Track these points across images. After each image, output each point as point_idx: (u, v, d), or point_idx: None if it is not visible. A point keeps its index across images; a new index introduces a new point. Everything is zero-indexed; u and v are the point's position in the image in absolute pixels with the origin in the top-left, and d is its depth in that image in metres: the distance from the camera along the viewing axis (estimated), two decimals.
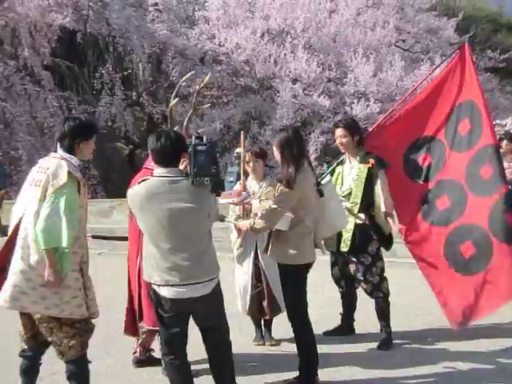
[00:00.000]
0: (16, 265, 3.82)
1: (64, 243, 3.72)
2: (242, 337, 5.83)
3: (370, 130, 5.91)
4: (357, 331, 5.87)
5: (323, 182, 4.98)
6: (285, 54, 15.57)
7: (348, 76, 15.48)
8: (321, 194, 4.67)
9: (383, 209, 5.30)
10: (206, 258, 3.88)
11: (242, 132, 5.62)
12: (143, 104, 16.71)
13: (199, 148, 3.77)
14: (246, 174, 5.48)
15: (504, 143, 9.62)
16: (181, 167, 3.93)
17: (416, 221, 5.48)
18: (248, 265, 5.51)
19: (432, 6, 24.60)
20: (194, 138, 3.87)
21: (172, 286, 3.80)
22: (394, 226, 5.35)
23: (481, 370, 4.87)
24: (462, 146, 5.51)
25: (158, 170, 3.86)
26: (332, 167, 5.82)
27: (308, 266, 4.59)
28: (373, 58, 15.43)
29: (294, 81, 15.34)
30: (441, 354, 5.24)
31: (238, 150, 5.08)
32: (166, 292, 3.82)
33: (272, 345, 5.57)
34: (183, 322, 3.95)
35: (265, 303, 5.52)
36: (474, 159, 5.43)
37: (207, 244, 3.92)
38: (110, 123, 15.33)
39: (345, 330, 5.84)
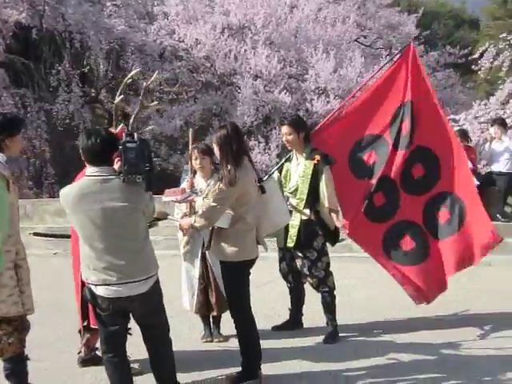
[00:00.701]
0: None
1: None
2: (192, 334, 5.85)
3: (317, 127, 5.94)
4: (305, 325, 5.93)
5: (265, 178, 4.99)
6: (245, 50, 15.52)
7: (309, 72, 15.49)
8: (263, 190, 4.67)
9: (327, 204, 5.35)
10: (142, 256, 3.87)
11: (190, 129, 5.61)
12: (102, 101, 16.53)
13: (129, 145, 3.74)
14: (194, 172, 5.47)
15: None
16: (116, 166, 3.90)
17: (358, 217, 5.56)
18: (195, 262, 5.51)
19: (395, 2, 24.89)
20: (124, 135, 3.85)
21: (109, 285, 3.79)
22: (338, 222, 5.41)
23: (423, 362, 4.94)
24: (403, 144, 5.60)
25: (90, 170, 3.83)
26: (280, 164, 5.86)
27: (250, 263, 4.59)
28: (333, 54, 15.46)
29: (255, 77, 15.31)
30: (385, 346, 5.31)
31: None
32: (102, 291, 3.81)
33: (220, 341, 5.58)
34: (122, 320, 3.95)
35: (212, 300, 5.52)
36: (408, 159, 5.58)
37: (143, 242, 3.91)
38: (68, 121, 15.12)
39: (293, 324, 5.88)
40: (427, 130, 5.57)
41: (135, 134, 3.87)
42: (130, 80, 4.59)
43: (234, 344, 5.44)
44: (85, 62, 15.68)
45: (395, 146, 5.64)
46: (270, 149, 14.66)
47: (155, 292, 3.96)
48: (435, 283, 5.57)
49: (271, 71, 15.25)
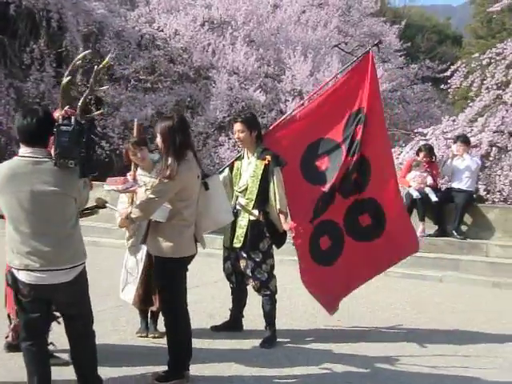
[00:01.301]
0: None
1: None
2: (129, 327, 5.75)
3: (271, 127, 5.88)
4: (245, 328, 5.87)
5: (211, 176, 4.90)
6: (223, 45, 15.41)
7: (286, 73, 15.43)
8: (206, 187, 4.59)
9: (278, 206, 5.29)
10: (69, 244, 3.76)
11: (135, 119, 5.50)
12: (76, 83, 16.25)
13: (63, 128, 3.63)
14: (137, 165, 5.36)
15: (421, 155, 9.87)
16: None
17: (306, 221, 5.50)
18: (138, 255, 5.41)
19: (380, 11, 24.95)
20: (60, 118, 3.73)
21: (31, 270, 3.67)
22: (285, 224, 5.35)
23: (355, 374, 4.90)
24: (354, 151, 5.59)
25: (22, 150, 3.72)
26: (230, 162, 5.78)
27: (186, 260, 4.50)
28: (311, 58, 15.40)
29: (231, 73, 15.20)
30: (320, 355, 5.27)
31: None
32: (24, 277, 3.70)
33: (155, 337, 5.49)
34: (43, 308, 3.83)
35: (154, 295, 5.41)
36: (350, 166, 5.61)
37: (72, 230, 3.80)
38: (38, 100, 14.86)
39: (232, 325, 5.80)
40: (371, 140, 5.57)
41: (72, 118, 3.75)
42: (80, 62, 4.45)
43: None
44: (61, 43, 15.41)
45: (348, 153, 5.60)
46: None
47: (80, 282, 3.86)
48: (341, 288, 5.73)
49: (248, 68, 15.15)
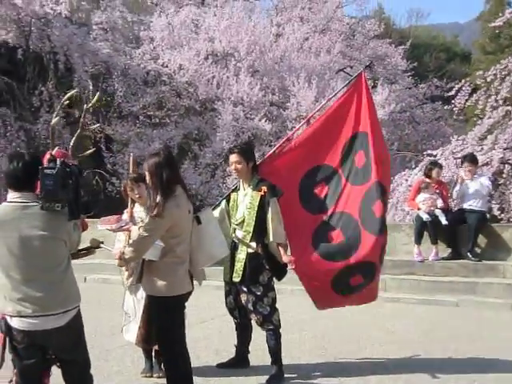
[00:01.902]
0: None
1: None
2: (134, 368, 5.69)
3: (265, 156, 5.84)
4: (252, 363, 5.74)
5: (203, 209, 4.86)
6: (227, 77, 15.52)
7: (290, 100, 15.48)
8: (198, 221, 4.55)
9: (271, 239, 5.21)
10: (60, 288, 3.71)
11: (131, 154, 5.50)
12: (86, 123, 16.43)
13: (47, 171, 3.60)
14: (134, 202, 5.34)
15: (434, 172, 9.71)
16: None
17: (307, 252, 5.37)
18: (141, 293, 5.35)
19: (386, 33, 25.05)
20: (46, 160, 3.73)
21: (24, 317, 3.63)
22: (285, 257, 5.25)
23: None
24: (358, 178, 5.46)
25: (11, 195, 3.70)
26: (227, 194, 5.73)
27: (181, 298, 4.44)
28: (315, 83, 15.45)
29: (236, 104, 15.28)
30: None
31: None
32: (17, 323, 3.65)
33: (159, 377, 5.40)
34: (38, 354, 3.76)
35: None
36: (366, 194, 5.41)
37: (63, 274, 3.75)
38: (48, 141, 15.00)
39: (238, 362, 5.69)
40: (375, 163, 5.45)
41: (58, 160, 3.74)
42: (67, 102, 4.46)
43: None
44: (70, 84, 15.62)
45: (348, 179, 5.51)
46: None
47: (74, 326, 3.80)
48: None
49: (252, 98, 15.25)
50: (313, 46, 17.82)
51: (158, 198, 4.21)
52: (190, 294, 4.56)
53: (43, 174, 3.60)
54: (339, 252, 5.37)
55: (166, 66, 15.80)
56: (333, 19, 20.28)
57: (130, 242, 4.38)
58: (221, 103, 15.19)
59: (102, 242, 4.68)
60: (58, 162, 3.69)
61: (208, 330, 6.95)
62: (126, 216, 5.22)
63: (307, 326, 6.70)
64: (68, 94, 4.80)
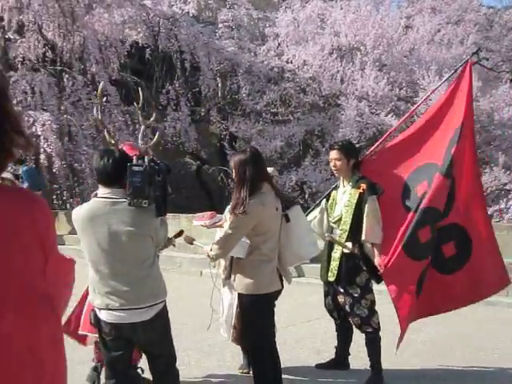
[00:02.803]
0: None
1: None
2: (233, 363, 5.63)
3: (367, 152, 5.54)
4: (352, 366, 5.46)
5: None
6: (352, 71, 15.18)
7: (419, 95, 14.84)
8: (287, 219, 4.37)
9: (363, 237, 4.92)
10: (147, 283, 3.72)
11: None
12: (211, 120, 16.78)
13: (135, 169, 3.60)
14: None
15: None
16: None
17: (396, 253, 4.96)
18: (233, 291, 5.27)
19: None
20: (135, 158, 3.71)
21: (112, 310, 3.68)
22: (377, 258, 4.92)
23: None
24: (450, 171, 5.02)
25: (101, 191, 3.74)
26: (327, 193, 5.51)
27: (269, 296, 4.28)
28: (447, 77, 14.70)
29: (360, 99, 14.91)
30: None
31: None
32: (105, 316, 3.72)
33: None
34: (125, 346, 3.81)
35: None
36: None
37: (149, 269, 3.75)
38: (175, 139, 15.48)
39: (338, 364, 5.46)
40: (461, 158, 5.01)
41: (145, 158, 3.72)
42: (100, 93, 4.38)
43: None
44: (196, 83, 16.00)
45: (441, 173, 5.06)
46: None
47: (160, 321, 3.79)
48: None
49: (378, 93, 14.80)
50: (445, 38, 16.99)
51: (242, 195, 4.09)
52: (279, 292, 4.40)
53: (131, 171, 3.59)
54: (426, 250, 5.00)
55: (290, 62, 15.73)
56: (468, 9, 19.26)
57: (217, 239, 4.29)
58: (345, 98, 14.89)
59: (194, 240, 4.68)
60: (146, 160, 3.68)
61: (312, 329, 6.74)
62: (227, 211, 5.15)
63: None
64: (100, 86, 4.52)
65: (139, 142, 4.97)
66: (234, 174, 4.24)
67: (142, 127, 4.35)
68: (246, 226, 4.11)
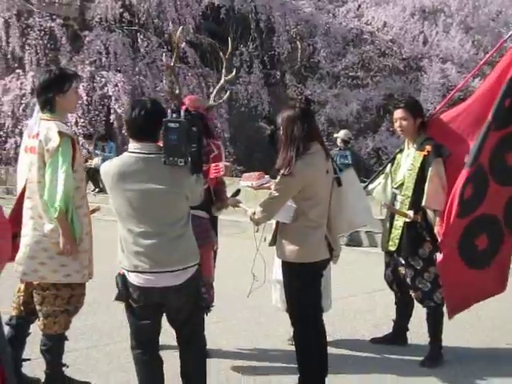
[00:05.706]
0: (29, 235, 3.77)
1: (68, 203, 3.71)
2: (284, 334, 5.39)
3: (435, 111, 5.08)
4: (410, 341, 5.11)
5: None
6: (436, 33, 14.43)
7: None
8: (339, 183, 4.03)
9: (424, 202, 4.50)
10: (180, 244, 3.46)
11: None
12: (286, 84, 16.40)
13: (171, 125, 3.31)
14: None
15: None
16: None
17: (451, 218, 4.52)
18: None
19: None
20: (170, 112, 3.46)
21: (141, 272, 3.45)
22: (437, 227, 4.51)
23: None
24: (500, 123, 4.48)
25: (132, 145, 3.48)
26: (392, 157, 5.10)
27: (315, 265, 3.97)
28: None
29: (444, 61, 14.17)
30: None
31: None
32: (134, 279, 3.47)
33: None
34: (154, 315, 3.57)
35: None
36: (502, 140, 4.50)
37: (183, 229, 3.48)
38: (246, 102, 15.25)
39: (395, 339, 5.12)
40: None
41: (182, 112, 3.45)
42: (178, 38, 4.19)
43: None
44: (271, 45, 15.64)
45: (491, 127, 4.53)
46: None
47: (192, 285, 3.54)
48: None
49: (463, 56, 14.04)
50: None
51: (289, 155, 3.76)
52: (327, 261, 4.08)
53: (167, 127, 3.34)
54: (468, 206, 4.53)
55: (370, 24, 15.14)
56: None
57: (262, 202, 3.99)
58: (427, 61, 14.19)
59: (241, 202, 4.43)
60: (182, 113, 3.41)
61: (373, 301, 6.40)
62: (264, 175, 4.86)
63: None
64: (178, 31, 4.45)
65: (211, 99, 4.75)
66: (281, 131, 3.92)
67: (219, 84, 4.07)
68: (292, 188, 3.80)
